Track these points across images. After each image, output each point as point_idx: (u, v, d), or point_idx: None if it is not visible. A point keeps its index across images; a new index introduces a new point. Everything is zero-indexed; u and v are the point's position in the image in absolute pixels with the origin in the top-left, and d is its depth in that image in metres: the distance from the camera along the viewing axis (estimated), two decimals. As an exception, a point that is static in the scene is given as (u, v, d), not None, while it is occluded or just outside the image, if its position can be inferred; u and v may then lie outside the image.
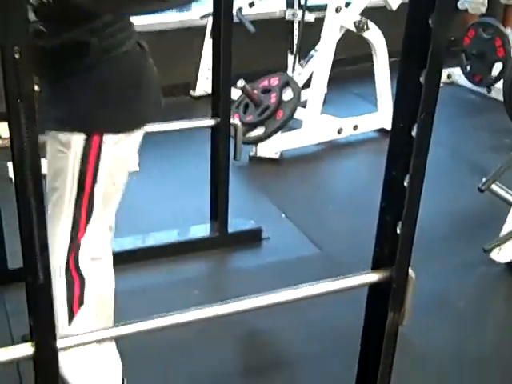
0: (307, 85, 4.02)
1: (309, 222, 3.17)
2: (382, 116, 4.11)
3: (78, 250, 1.74)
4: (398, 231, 1.62)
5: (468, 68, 4.85)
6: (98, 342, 1.73)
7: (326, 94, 3.99)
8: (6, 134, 1.32)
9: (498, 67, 4.64)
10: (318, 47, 4.03)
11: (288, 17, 4.66)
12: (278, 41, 4.64)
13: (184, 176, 3.57)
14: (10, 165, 2.74)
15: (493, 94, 4.70)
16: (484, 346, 2.43)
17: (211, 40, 2.82)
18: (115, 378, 1.89)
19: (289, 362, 2.35)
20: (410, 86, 1.50)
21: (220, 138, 2.81)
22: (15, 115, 1.24)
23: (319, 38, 3.97)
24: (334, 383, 2.19)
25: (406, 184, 1.57)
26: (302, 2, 4.54)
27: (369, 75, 4.20)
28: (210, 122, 2.81)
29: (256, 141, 3.77)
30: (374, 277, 1.71)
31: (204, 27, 4.45)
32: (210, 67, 2.81)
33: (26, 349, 1.44)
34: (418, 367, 2.30)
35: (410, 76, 1.49)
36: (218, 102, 2.77)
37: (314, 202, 3.42)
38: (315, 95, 3.93)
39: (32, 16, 1.50)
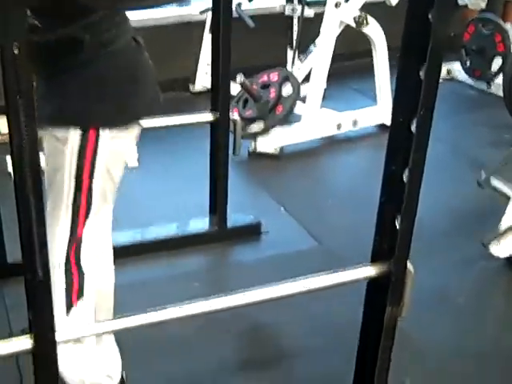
0: (307, 80, 4.02)
1: (308, 216, 3.17)
2: (382, 111, 4.10)
3: (78, 245, 1.74)
4: (397, 225, 1.62)
5: (468, 63, 4.84)
6: (98, 335, 1.74)
7: (325, 90, 3.98)
8: (4, 129, 1.32)
9: (497, 62, 4.63)
10: (318, 42, 4.03)
11: (287, 12, 4.64)
12: (278, 36, 4.62)
13: (183, 171, 3.56)
14: (8, 159, 2.74)
15: (492, 90, 4.69)
16: (484, 341, 2.43)
17: (211, 35, 2.81)
18: (114, 371, 1.89)
19: (288, 356, 2.36)
20: (409, 81, 1.50)
21: (219, 132, 2.81)
22: (14, 112, 1.24)
23: (319, 33, 3.96)
24: (333, 376, 2.20)
25: (405, 179, 1.57)
26: (302, -3, 4.53)
27: (368, 70, 4.19)
28: (210, 116, 2.80)
29: (255, 136, 3.77)
30: (372, 270, 1.72)
31: (203, 22, 4.44)
32: (210, 62, 2.81)
33: (25, 342, 1.44)
34: (417, 362, 2.30)
35: (410, 71, 1.49)
36: (218, 96, 2.76)
37: (313, 197, 3.42)
38: (315, 90, 3.92)
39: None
